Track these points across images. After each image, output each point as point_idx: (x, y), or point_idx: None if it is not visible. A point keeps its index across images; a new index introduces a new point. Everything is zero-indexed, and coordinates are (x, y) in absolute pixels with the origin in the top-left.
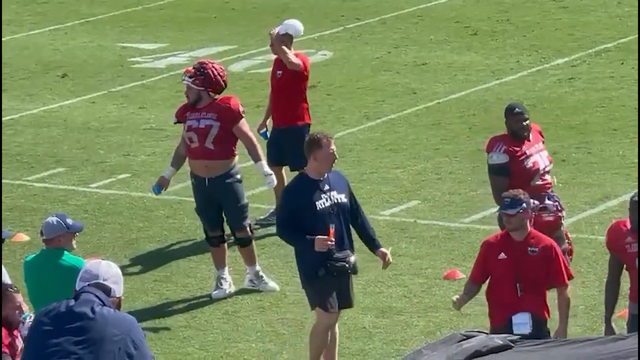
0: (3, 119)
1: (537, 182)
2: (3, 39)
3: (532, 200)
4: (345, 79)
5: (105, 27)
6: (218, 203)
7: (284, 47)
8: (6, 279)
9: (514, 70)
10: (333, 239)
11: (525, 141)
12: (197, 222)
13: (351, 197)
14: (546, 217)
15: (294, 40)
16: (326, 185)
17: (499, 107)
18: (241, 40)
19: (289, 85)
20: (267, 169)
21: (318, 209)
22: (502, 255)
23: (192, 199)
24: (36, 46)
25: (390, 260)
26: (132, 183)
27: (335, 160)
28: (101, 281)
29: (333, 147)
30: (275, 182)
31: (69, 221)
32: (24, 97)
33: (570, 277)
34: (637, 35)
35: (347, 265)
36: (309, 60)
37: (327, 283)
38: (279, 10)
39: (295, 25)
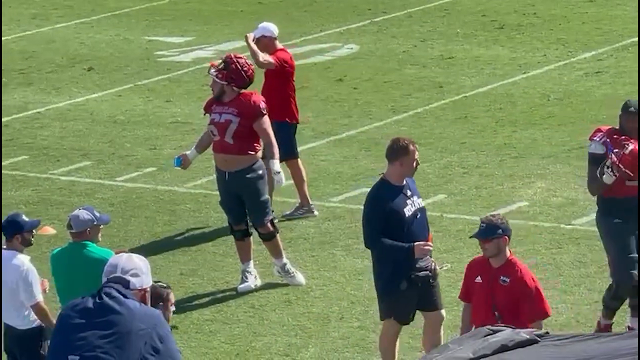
0: (29, 112)
1: (633, 184)
2: (29, 32)
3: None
4: (372, 72)
5: (131, 20)
6: (240, 197)
7: (253, 47)
8: (34, 273)
9: (540, 64)
10: (431, 244)
11: None
12: (223, 216)
13: None
14: None
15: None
16: (408, 191)
17: (525, 101)
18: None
19: (272, 83)
20: (277, 167)
21: (406, 215)
22: (479, 279)
23: (214, 193)
24: (62, 40)
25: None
26: (158, 176)
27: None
28: (120, 274)
29: (417, 154)
30: (284, 181)
31: (97, 213)
32: (50, 91)
33: (545, 315)
34: None
35: (430, 273)
36: (291, 55)
37: (408, 296)
38: (306, 3)
39: (267, 27)
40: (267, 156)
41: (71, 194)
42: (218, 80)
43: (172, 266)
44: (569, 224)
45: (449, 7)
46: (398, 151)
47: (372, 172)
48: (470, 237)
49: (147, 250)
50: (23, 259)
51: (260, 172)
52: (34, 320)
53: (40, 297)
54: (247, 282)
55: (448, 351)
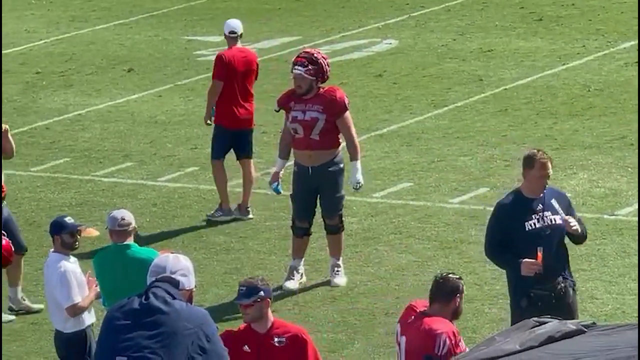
0: (70, 114)
1: None
2: (69, 34)
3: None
4: (411, 67)
5: (169, 20)
6: (316, 192)
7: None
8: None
9: (580, 55)
10: (540, 263)
11: None
12: (266, 214)
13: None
14: None
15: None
16: (539, 205)
17: (565, 92)
18: (305, 30)
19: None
20: (359, 175)
21: (527, 229)
22: (246, 348)
23: (261, 191)
24: (102, 41)
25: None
26: (200, 176)
27: (547, 182)
28: (169, 274)
29: (548, 170)
30: (362, 181)
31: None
32: (91, 93)
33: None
34: None
35: (553, 294)
36: (245, 55)
37: (530, 314)
38: (344, 0)
39: (228, 23)
40: (351, 156)
41: (114, 196)
42: (308, 77)
43: (217, 265)
44: (612, 215)
45: (487, 0)
46: (525, 163)
47: (414, 167)
48: (234, 301)
49: (191, 249)
50: (60, 260)
51: (342, 165)
52: (79, 323)
53: (76, 299)
54: (292, 279)
55: (495, 343)
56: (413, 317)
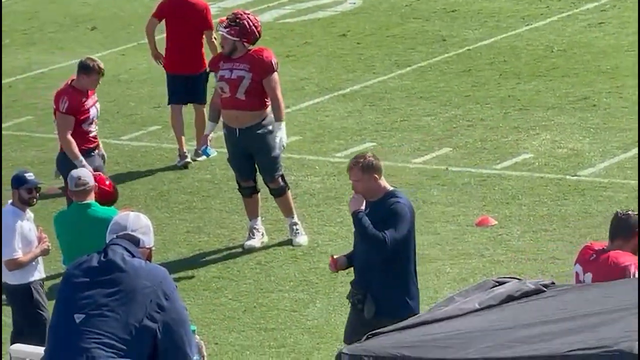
0: (33, 72)
1: None
2: None
3: None
4: (375, 27)
5: None
6: (249, 153)
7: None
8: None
9: (543, 15)
10: (333, 263)
11: None
12: (229, 173)
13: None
14: None
15: None
16: (367, 209)
17: (528, 52)
18: None
19: None
20: (283, 134)
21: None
22: None
23: (224, 150)
24: None
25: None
26: (163, 135)
27: (361, 189)
28: (130, 232)
29: (350, 175)
30: (285, 141)
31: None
32: (54, 50)
33: None
34: None
35: (350, 299)
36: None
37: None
38: None
39: None
40: (275, 117)
41: None
42: (229, 37)
43: (179, 224)
44: (575, 175)
45: None
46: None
47: (377, 127)
48: None
49: (153, 208)
50: (13, 214)
51: (270, 127)
52: (23, 277)
53: (15, 254)
54: (254, 238)
55: (454, 303)
56: (594, 254)
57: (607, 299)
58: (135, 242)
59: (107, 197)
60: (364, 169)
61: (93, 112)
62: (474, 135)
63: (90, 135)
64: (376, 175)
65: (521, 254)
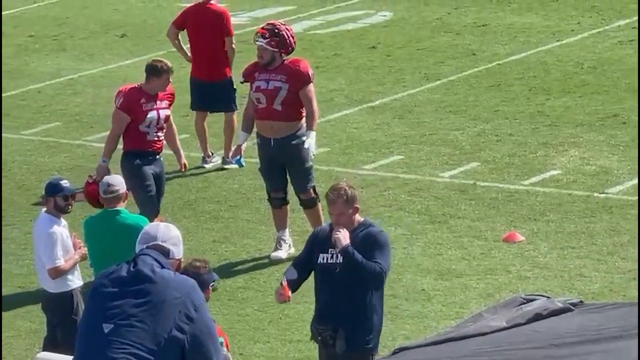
0: (62, 78)
1: None
2: None
3: None
4: (405, 40)
5: None
6: (282, 164)
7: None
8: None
9: (574, 31)
10: (284, 293)
11: None
12: (256, 183)
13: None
14: None
15: None
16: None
17: (558, 69)
18: (301, 0)
19: None
20: (312, 141)
21: (318, 261)
22: None
23: (251, 160)
24: (96, 6)
25: None
26: (191, 144)
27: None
28: (160, 243)
29: (331, 210)
30: (314, 151)
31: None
32: (84, 57)
33: None
34: None
35: (319, 338)
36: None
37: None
38: None
39: None
40: (307, 126)
41: None
42: (270, 48)
43: (205, 233)
44: (603, 193)
45: None
46: None
47: (405, 140)
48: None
49: (180, 217)
50: (50, 222)
51: (304, 138)
52: (64, 285)
53: (58, 262)
54: (280, 249)
55: (482, 320)
56: None
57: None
58: (165, 253)
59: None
60: (347, 201)
61: (152, 115)
62: (503, 151)
63: (149, 138)
64: (357, 206)
65: (548, 271)
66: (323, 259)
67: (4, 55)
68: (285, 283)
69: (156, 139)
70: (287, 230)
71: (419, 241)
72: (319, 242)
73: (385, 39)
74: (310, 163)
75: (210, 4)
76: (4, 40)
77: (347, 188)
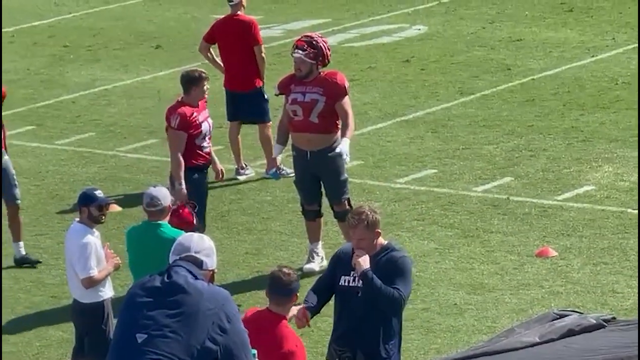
0: (96, 89)
1: None
2: (98, 9)
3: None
4: (440, 54)
5: None
6: (317, 176)
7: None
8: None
9: (609, 47)
10: (302, 317)
11: None
12: (290, 195)
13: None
14: None
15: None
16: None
17: (593, 84)
18: (335, 13)
19: None
20: (347, 149)
21: (340, 283)
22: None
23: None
24: (131, 17)
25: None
26: (224, 155)
27: (363, 244)
28: (193, 254)
29: (352, 234)
30: (348, 161)
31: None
32: (118, 68)
33: None
34: None
35: (346, 358)
36: (218, 25)
37: None
38: None
39: None
40: (342, 134)
41: (137, 172)
42: (308, 60)
43: (238, 245)
44: (636, 209)
45: None
46: None
47: (439, 154)
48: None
49: (213, 228)
50: (83, 232)
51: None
52: (96, 295)
53: (92, 272)
54: (313, 262)
55: (514, 334)
56: None
57: None
58: (199, 264)
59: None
60: (369, 226)
61: (205, 127)
62: (536, 166)
63: (204, 151)
64: (379, 230)
65: (581, 286)
66: (345, 281)
67: (39, 65)
68: (304, 308)
69: (208, 150)
70: (320, 242)
71: (452, 255)
72: (342, 264)
73: (419, 53)
74: (346, 175)
75: (238, 14)
76: (39, 50)
77: (368, 212)
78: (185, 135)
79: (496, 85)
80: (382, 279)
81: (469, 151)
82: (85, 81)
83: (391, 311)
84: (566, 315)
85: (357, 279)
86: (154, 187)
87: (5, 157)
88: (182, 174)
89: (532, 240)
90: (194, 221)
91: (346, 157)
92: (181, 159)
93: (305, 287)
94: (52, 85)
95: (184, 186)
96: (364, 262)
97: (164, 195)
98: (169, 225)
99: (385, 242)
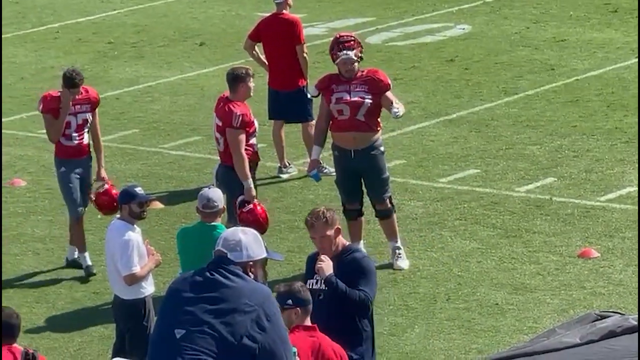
0: (140, 85)
1: None
2: (142, 6)
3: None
4: (484, 53)
5: None
6: (360, 175)
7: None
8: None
9: None
10: None
11: None
12: (332, 194)
13: (351, 284)
14: None
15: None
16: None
17: (637, 85)
18: (380, 12)
19: None
20: (395, 104)
21: (307, 286)
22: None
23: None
24: (175, 14)
25: None
26: (267, 153)
27: (327, 245)
28: (237, 249)
29: (316, 234)
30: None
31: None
32: (162, 65)
33: None
34: None
35: None
36: (262, 24)
37: None
38: None
39: None
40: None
41: (180, 169)
42: (356, 59)
43: (280, 243)
44: None
45: None
46: None
47: (482, 154)
48: None
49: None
50: (124, 228)
51: (382, 148)
52: (138, 291)
53: (134, 269)
54: None
55: (555, 335)
56: None
57: None
58: (241, 258)
59: (259, 228)
60: (327, 222)
61: (256, 123)
62: (579, 166)
63: (255, 148)
64: (339, 227)
65: (623, 288)
66: (309, 284)
67: (83, 61)
68: None
69: (255, 149)
70: (361, 242)
71: (494, 255)
72: (308, 268)
73: (463, 52)
74: (388, 174)
75: (283, 13)
76: (83, 46)
77: (325, 210)
78: (243, 133)
79: (540, 86)
80: (347, 281)
81: (512, 151)
82: (129, 78)
83: (361, 313)
84: (607, 317)
85: (319, 282)
86: (209, 188)
87: (90, 163)
88: (248, 172)
89: (574, 241)
90: (267, 219)
91: (398, 112)
92: (245, 157)
93: None
94: (96, 82)
95: (252, 184)
96: (327, 267)
97: (219, 197)
98: (224, 227)
99: (347, 243)
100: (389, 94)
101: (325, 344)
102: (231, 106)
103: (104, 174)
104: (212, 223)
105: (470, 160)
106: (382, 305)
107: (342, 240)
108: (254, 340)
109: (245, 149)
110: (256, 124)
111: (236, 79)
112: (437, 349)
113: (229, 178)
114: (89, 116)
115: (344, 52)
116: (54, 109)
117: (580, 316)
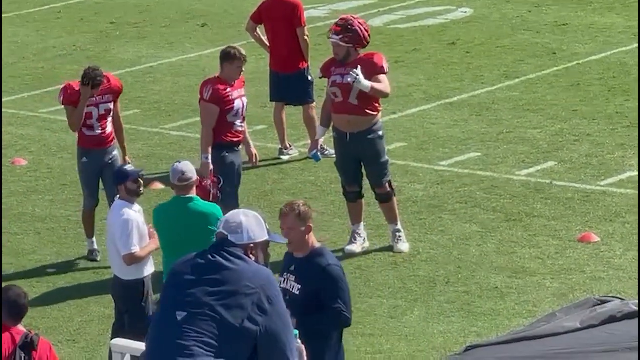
0: (142, 66)
1: None
2: None
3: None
4: (485, 37)
5: None
6: (358, 158)
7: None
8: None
9: None
10: None
11: None
12: (332, 176)
13: (320, 292)
14: None
15: None
16: (293, 265)
17: (638, 69)
18: None
19: None
20: (362, 76)
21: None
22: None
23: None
24: None
25: None
26: (268, 134)
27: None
28: (238, 231)
29: (286, 224)
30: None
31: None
32: (164, 45)
33: None
34: None
35: None
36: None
37: None
38: None
39: None
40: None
41: (181, 149)
42: (343, 45)
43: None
44: None
45: None
46: None
47: (482, 137)
48: None
49: (256, 207)
50: (124, 207)
51: (381, 132)
52: (137, 272)
53: (134, 249)
54: (355, 243)
55: (555, 320)
56: None
57: None
58: (242, 240)
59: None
60: (300, 216)
61: (238, 104)
62: (580, 151)
63: (235, 129)
64: (310, 225)
65: (623, 272)
66: (279, 282)
67: (85, 41)
68: None
69: (240, 129)
70: (362, 224)
71: (494, 239)
72: (285, 262)
73: (465, 36)
74: (386, 157)
75: None
76: (86, 26)
77: (301, 205)
78: (216, 109)
79: (541, 70)
80: (308, 280)
81: (512, 135)
82: (131, 58)
83: (343, 326)
84: (608, 302)
85: (286, 281)
86: (179, 162)
87: (115, 152)
88: (209, 148)
89: (574, 225)
90: (212, 193)
91: (358, 76)
92: (211, 132)
93: (347, 267)
94: (97, 62)
95: (209, 160)
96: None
97: (192, 169)
98: (200, 198)
99: (317, 245)
100: (381, 76)
101: None
102: (208, 80)
103: (128, 161)
104: (188, 195)
105: (471, 143)
106: (382, 287)
107: (314, 241)
108: (255, 323)
109: (225, 129)
110: (238, 104)
111: (222, 57)
112: (437, 331)
113: (214, 157)
114: (111, 106)
115: (331, 36)
116: (74, 102)
117: (580, 301)
